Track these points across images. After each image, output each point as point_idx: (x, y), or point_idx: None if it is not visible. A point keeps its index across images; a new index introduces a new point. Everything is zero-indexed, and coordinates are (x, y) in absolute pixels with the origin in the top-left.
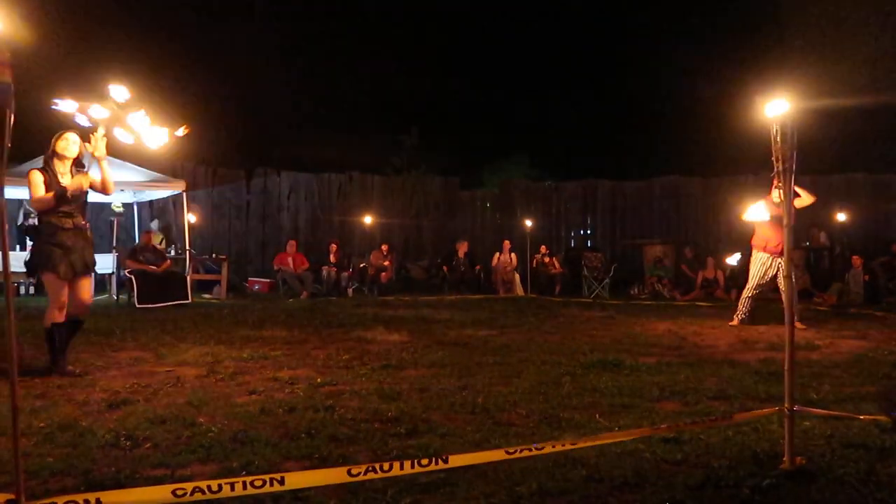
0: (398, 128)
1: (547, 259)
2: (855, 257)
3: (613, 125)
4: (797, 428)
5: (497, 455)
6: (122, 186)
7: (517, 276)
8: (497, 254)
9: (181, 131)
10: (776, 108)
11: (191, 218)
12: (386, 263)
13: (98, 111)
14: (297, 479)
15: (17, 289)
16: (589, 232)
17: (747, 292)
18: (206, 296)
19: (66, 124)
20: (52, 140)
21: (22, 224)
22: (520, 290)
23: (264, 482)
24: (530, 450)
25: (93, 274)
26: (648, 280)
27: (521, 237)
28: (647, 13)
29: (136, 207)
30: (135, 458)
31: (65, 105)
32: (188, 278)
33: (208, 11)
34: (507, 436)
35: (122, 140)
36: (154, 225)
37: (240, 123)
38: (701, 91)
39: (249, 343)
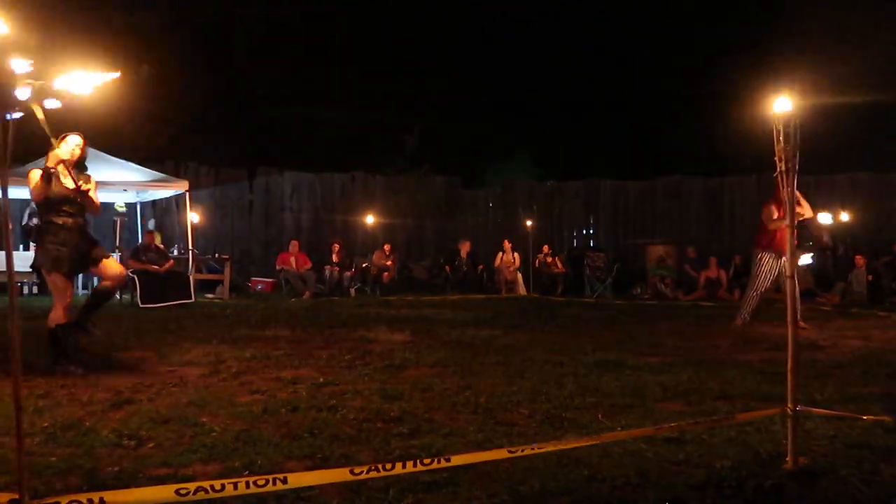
0: (400, 127)
1: (549, 259)
2: (858, 257)
3: (616, 125)
4: (800, 428)
5: (499, 454)
6: (125, 186)
7: (520, 276)
8: (499, 254)
9: (114, 75)
10: (779, 106)
11: (193, 218)
12: (388, 263)
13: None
14: (300, 479)
15: (21, 288)
16: (591, 231)
17: (751, 292)
18: (209, 296)
19: (66, 128)
20: (57, 140)
21: (26, 224)
22: (522, 290)
23: (267, 481)
24: (532, 449)
25: (110, 255)
26: (651, 280)
27: (523, 237)
28: (650, 13)
29: (139, 207)
30: (138, 457)
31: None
32: (191, 278)
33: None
34: (509, 436)
35: (51, 107)
36: (150, 225)
37: (242, 123)
38: (704, 90)
39: (252, 343)
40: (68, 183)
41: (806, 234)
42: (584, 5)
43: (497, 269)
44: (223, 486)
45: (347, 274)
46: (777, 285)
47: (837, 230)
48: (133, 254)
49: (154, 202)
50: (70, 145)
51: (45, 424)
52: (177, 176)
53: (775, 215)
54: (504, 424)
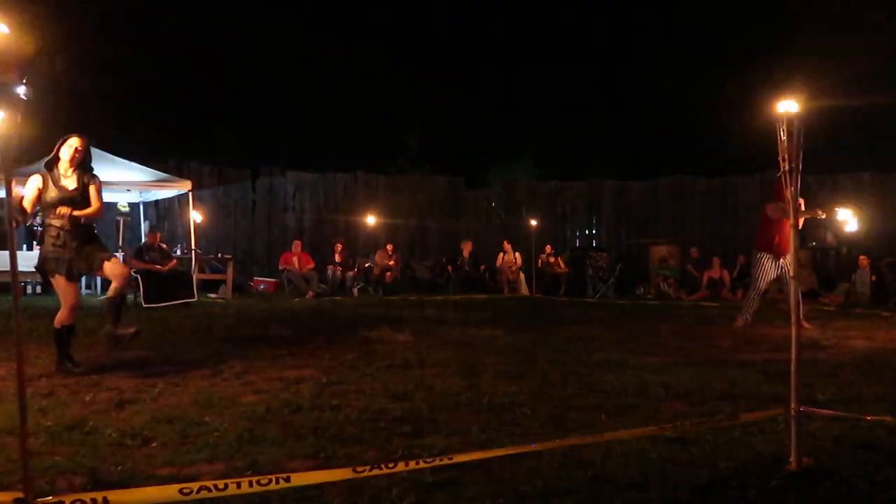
0: (403, 127)
1: (552, 259)
2: (861, 257)
3: (618, 124)
4: (803, 429)
5: (502, 454)
6: (128, 186)
7: (522, 276)
8: (501, 254)
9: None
10: (783, 107)
11: (196, 217)
12: (391, 263)
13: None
14: (303, 478)
15: (24, 288)
16: (594, 232)
17: (752, 293)
18: (212, 295)
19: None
20: (56, 144)
21: (31, 224)
22: (525, 290)
23: (270, 481)
24: (535, 448)
25: (113, 257)
26: (654, 280)
27: (526, 237)
28: (653, 12)
29: (141, 207)
30: (141, 456)
31: None
32: (194, 278)
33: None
34: (512, 435)
35: None
36: (144, 228)
37: (245, 123)
38: (707, 90)
39: (255, 343)
40: (69, 184)
41: (806, 235)
42: (587, 5)
43: (499, 269)
44: (226, 486)
45: (350, 274)
46: (780, 286)
47: (840, 230)
48: (136, 253)
49: (157, 202)
50: (68, 148)
51: (50, 424)
52: (179, 176)
53: (777, 213)
54: (507, 424)
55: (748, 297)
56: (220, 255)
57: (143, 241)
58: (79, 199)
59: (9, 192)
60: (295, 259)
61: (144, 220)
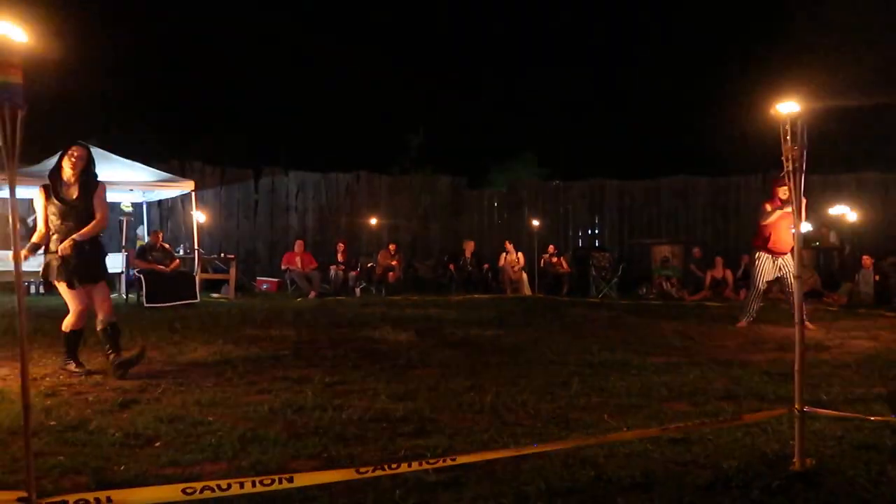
0: (405, 127)
1: (555, 259)
2: (865, 257)
3: (621, 124)
4: (807, 429)
5: (505, 454)
6: (130, 186)
7: (524, 276)
8: (503, 254)
9: None
10: (786, 107)
11: (199, 217)
12: (393, 263)
13: None
14: (306, 478)
15: (28, 288)
16: (597, 231)
17: (751, 292)
18: (215, 295)
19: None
20: (60, 153)
21: (34, 225)
22: (527, 290)
23: (273, 481)
24: (538, 449)
25: (104, 280)
26: (656, 280)
27: (528, 237)
28: (653, 12)
29: (145, 207)
30: (145, 456)
31: None
32: (197, 278)
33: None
34: (514, 436)
35: None
36: (139, 232)
37: (248, 123)
38: (708, 90)
39: (258, 342)
40: (72, 193)
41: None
42: (587, 5)
43: (501, 269)
44: (229, 486)
45: (352, 274)
46: (782, 286)
47: (844, 230)
48: (139, 253)
49: (160, 202)
50: (69, 157)
51: (53, 423)
52: (182, 176)
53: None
54: (509, 424)
55: (748, 297)
56: (222, 254)
57: (146, 240)
58: (81, 207)
59: (13, 192)
60: (297, 259)
61: (160, 220)
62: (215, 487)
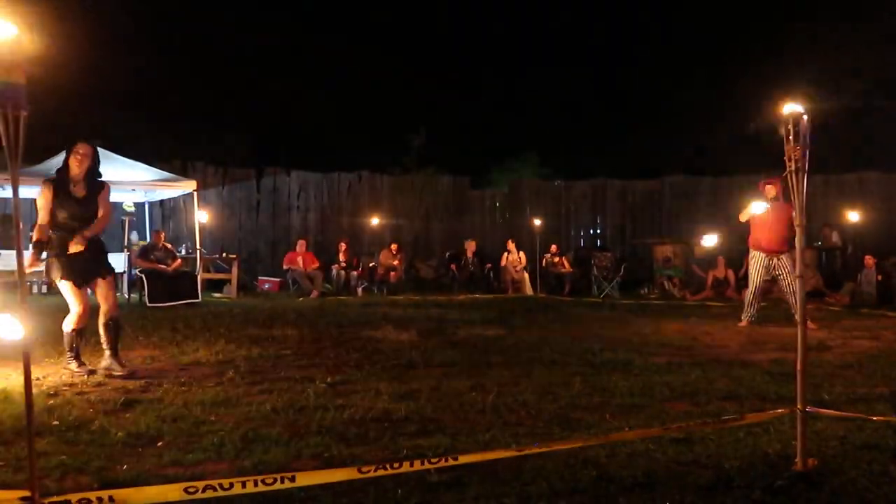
0: (407, 127)
1: (557, 259)
2: (867, 257)
3: (622, 124)
4: (809, 429)
5: (507, 454)
6: (133, 186)
7: (526, 276)
8: (505, 253)
9: None
10: (788, 108)
11: (201, 217)
12: (395, 263)
13: None
14: (308, 478)
15: (30, 287)
16: (598, 231)
17: (750, 292)
18: (217, 295)
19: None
20: (66, 151)
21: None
22: (529, 290)
23: (275, 480)
24: (540, 449)
25: (110, 281)
26: (658, 279)
27: (530, 236)
28: (653, 12)
29: (147, 207)
30: (147, 456)
31: None
32: (199, 277)
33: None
34: (516, 435)
35: None
36: (134, 237)
37: (250, 123)
38: (709, 90)
39: (260, 342)
40: (78, 192)
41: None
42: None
43: (503, 268)
44: (232, 485)
45: (354, 273)
46: (785, 287)
47: (846, 230)
48: (141, 253)
49: (162, 202)
50: (76, 154)
51: (56, 423)
52: (184, 175)
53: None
54: (511, 424)
55: (747, 297)
56: (224, 254)
57: (148, 240)
58: (88, 205)
59: (15, 192)
60: (299, 259)
61: (161, 219)
62: (217, 487)
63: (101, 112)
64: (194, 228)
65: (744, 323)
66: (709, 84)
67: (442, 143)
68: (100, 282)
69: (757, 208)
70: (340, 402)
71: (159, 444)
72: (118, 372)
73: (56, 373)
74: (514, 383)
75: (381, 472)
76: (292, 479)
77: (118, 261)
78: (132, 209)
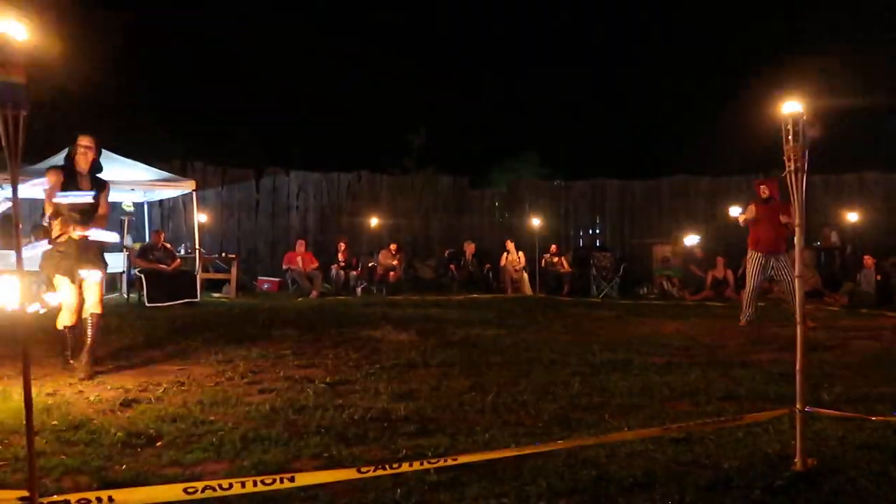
0: (407, 127)
1: (556, 258)
2: (867, 257)
3: (621, 124)
4: (808, 429)
5: (506, 454)
6: (132, 186)
7: (525, 276)
8: (504, 253)
9: None
10: (787, 108)
11: (201, 217)
12: (395, 263)
13: None
14: (308, 478)
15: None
16: (598, 231)
17: (748, 292)
18: (216, 295)
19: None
20: (69, 147)
21: (38, 225)
22: (528, 290)
23: (275, 480)
24: (539, 448)
25: (101, 275)
26: (657, 279)
27: (529, 236)
28: (653, 12)
29: (146, 207)
30: (146, 456)
31: None
32: (198, 277)
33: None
34: (516, 435)
35: None
36: (129, 241)
37: (249, 123)
38: (709, 89)
39: (259, 342)
40: (84, 184)
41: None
42: (587, 5)
43: (502, 268)
44: (231, 485)
45: (354, 273)
46: (782, 286)
47: (845, 230)
48: (141, 253)
49: (161, 202)
50: (81, 147)
51: (55, 423)
52: (184, 175)
53: (751, 214)
54: (511, 424)
55: (745, 297)
56: (224, 254)
57: (144, 241)
58: (92, 199)
59: (15, 192)
60: (299, 258)
61: (161, 219)
62: (217, 487)
63: (100, 111)
64: (193, 228)
65: (743, 323)
66: (709, 84)
67: (442, 143)
68: (90, 276)
69: (734, 212)
70: (340, 402)
71: (158, 444)
72: (81, 374)
73: (55, 372)
74: (513, 383)
75: (380, 472)
76: (292, 480)
77: (117, 260)
78: (131, 209)
